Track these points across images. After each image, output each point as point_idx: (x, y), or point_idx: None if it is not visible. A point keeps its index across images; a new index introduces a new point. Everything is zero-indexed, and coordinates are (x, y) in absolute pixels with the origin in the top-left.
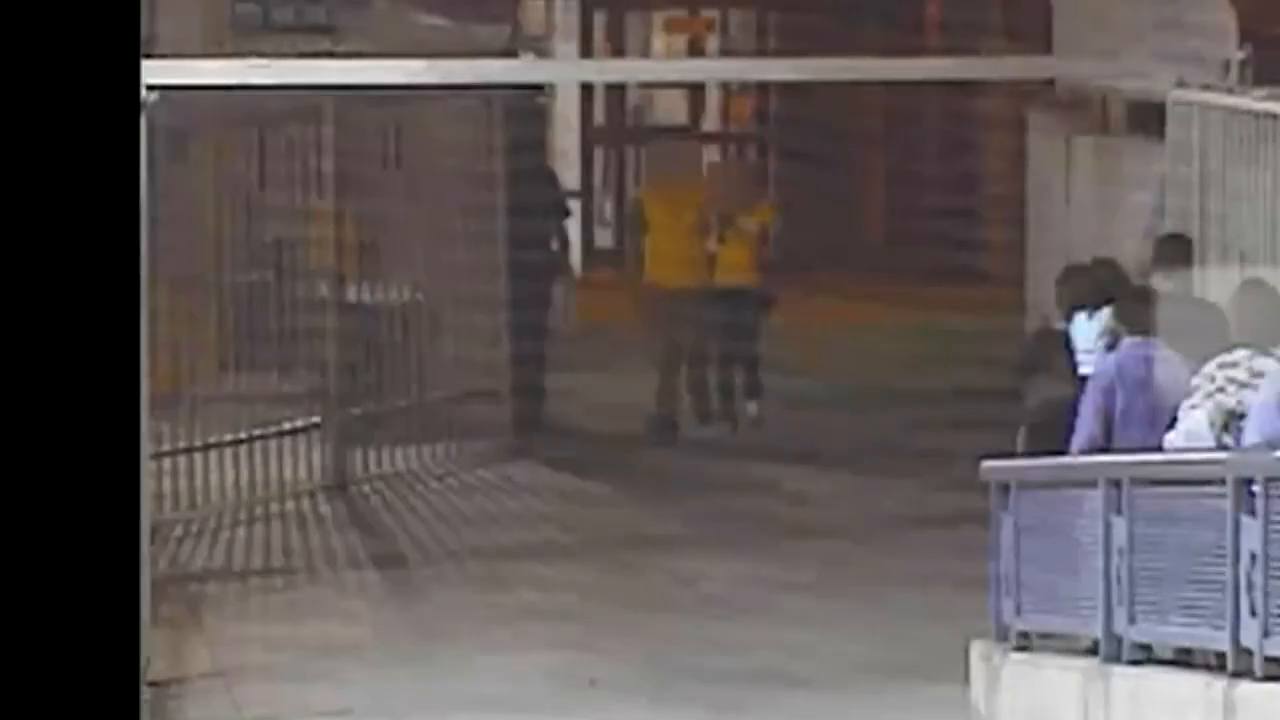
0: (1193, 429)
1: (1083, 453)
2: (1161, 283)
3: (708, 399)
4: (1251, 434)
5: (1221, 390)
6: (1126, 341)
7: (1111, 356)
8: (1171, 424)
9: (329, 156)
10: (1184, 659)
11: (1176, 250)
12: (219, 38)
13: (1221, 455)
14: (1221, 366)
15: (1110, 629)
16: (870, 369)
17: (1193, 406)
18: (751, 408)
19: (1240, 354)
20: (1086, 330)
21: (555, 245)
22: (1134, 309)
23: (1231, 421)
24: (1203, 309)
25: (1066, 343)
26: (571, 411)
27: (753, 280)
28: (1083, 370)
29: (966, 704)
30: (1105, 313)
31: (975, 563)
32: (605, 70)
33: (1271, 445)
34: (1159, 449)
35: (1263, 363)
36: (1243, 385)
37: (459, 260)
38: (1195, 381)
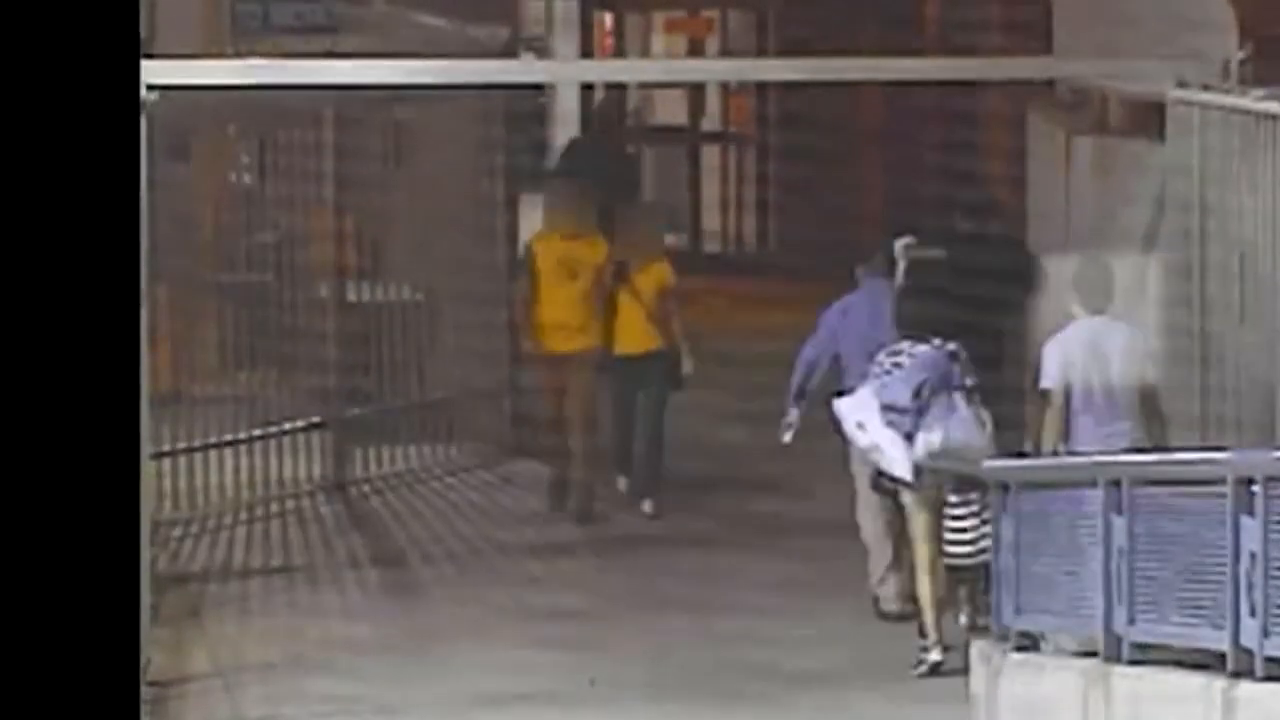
0: (860, 397)
1: (813, 352)
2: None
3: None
4: (884, 396)
5: (888, 372)
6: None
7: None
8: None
9: (329, 156)
10: (1184, 659)
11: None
12: (219, 38)
13: (1221, 455)
14: (889, 354)
15: (1110, 629)
16: None
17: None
18: (646, 506)
19: (905, 343)
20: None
21: None
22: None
23: None
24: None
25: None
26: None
27: (653, 345)
28: None
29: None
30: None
31: None
32: (605, 70)
33: (892, 408)
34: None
35: (921, 349)
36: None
37: (459, 260)
38: (872, 367)
